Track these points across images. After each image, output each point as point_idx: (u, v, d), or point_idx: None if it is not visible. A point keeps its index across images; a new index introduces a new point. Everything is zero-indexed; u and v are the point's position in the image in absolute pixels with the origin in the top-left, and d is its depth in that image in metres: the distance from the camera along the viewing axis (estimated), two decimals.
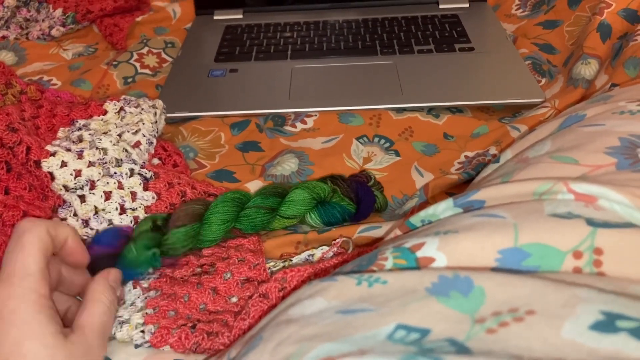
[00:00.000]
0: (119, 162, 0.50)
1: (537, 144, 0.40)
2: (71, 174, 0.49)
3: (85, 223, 0.48)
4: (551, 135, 0.40)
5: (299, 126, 0.61)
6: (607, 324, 0.20)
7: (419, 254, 0.28)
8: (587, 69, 0.62)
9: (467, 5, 0.81)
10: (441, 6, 0.81)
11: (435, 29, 0.75)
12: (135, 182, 0.50)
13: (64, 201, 0.49)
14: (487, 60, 0.68)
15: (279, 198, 0.48)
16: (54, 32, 0.79)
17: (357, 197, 0.49)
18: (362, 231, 0.48)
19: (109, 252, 0.44)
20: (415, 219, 0.36)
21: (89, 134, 0.52)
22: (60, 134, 0.54)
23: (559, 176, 0.33)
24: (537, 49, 0.71)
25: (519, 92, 0.62)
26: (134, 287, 0.44)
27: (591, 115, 0.41)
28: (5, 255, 0.36)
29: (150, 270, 0.45)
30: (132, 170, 0.50)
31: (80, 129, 0.54)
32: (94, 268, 0.43)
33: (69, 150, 0.50)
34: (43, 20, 0.80)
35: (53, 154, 0.49)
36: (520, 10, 0.79)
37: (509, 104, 0.62)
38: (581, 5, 0.71)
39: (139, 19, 0.82)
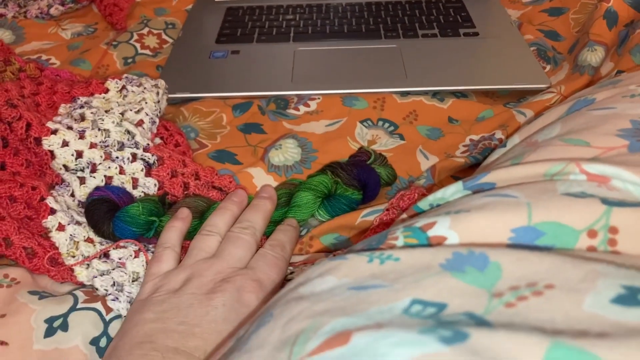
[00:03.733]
0: (121, 146, 0.49)
1: (546, 127, 0.40)
2: (72, 155, 0.48)
3: (82, 204, 0.48)
4: (561, 119, 0.40)
5: (302, 109, 0.60)
6: (630, 297, 0.19)
7: (430, 233, 0.28)
8: (593, 56, 0.61)
9: None
10: None
11: (439, 14, 0.74)
12: (137, 168, 0.49)
13: (63, 180, 0.49)
14: (491, 45, 0.68)
15: (284, 208, 0.48)
16: (52, 11, 0.77)
17: (361, 182, 0.49)
18: (365, 215, 0.47)
19: (113, 200, 0.46)
20: (423, 204, 0.35)
21: (91, 113, 0.51)
22: (61, 110, 0.53)
23: (571, 157, 0.33)
24: (542, 36, 0.70)
25: (524, 78, 0.62)
26: (136, 256, 0.44)
27: (601, 99, 0.41)
28: None
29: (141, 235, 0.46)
30: (134, 155, 0.49)
31: (82, 106, 0.53)
32: (92, 209, 0.45)
33: (70, 128, 0.49)
34: None
35: (54, 132, 0.48)
36: None
37: (513, 89, 0.62)
38: None
39: None
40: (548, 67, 0.66)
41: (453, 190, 0.35)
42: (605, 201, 0.27)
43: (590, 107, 0.40)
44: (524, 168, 0.33)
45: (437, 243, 0.27)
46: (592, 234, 0.26)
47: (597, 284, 0.20)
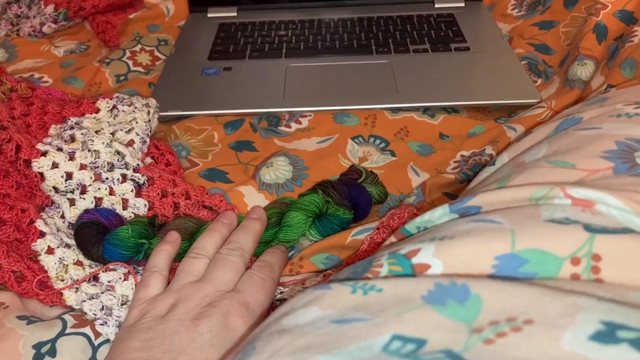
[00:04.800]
0: (111, 167, 0.49)
1: (533, 147, 0.40)
2: (62, 176, 0.48)
3: (72, 225, 0.48)
4: (547, 139, 0.40)
5: (294, 126, 0.60)
6: (608, 334, 0.19)
7: (415, 260, 0.28)
8: (583, 70, 0.61)
9: (462, 4, 0.80)
10: (437, 5, 0.80)
11: (430, 28, 0.75)
12: (127, 189, 0.49)
13: (53, 202, 0.49)
14: (482, 60, 0.68)
15: (275, 227, 0.48)
16: (45, 29, 0.78)
17: (352, 202, 0.49)
18: (355, 234, 0.47)
19: (102, 222, 0.45)
20: (410, 226, 0.35)
21: (82, 134, 0.51)
22: (52, 131, 0.53)
23: (556, 181, 0.33)
24: (533, 49, 0.70)
25: (515, 93, 0.62)
26: (125, 279, 0.44)
27: (588, 118, 0.41)
28: None
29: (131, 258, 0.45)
30: (124, 176, 0.49)
31: (72, 127, 0.53)
32: (82, 232, 0.45)
33: (60, 149, 0.49)
34: (34, 17, 0.79)
35: (44, 154, 0.48)
36: (516, 10, 0.79)
37: (504, 104, 0.62)
38: (577, 6, 0.70)
39: (131, 16, 0.80)
40: (539, 81, 0.66)
41: (440, 213, 0.35)
42: (588, 228, 0.27)
43: (577, 127, 0.40)
44: (509, 192, 0.33)
45: (421, 271, 0.27)
46: (575, 261, 0.26)
47: (576, 319, 0.20)
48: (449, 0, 0.81)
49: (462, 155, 0.56)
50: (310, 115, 0.61)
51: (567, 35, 0.70)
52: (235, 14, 0.81)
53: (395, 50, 0.70)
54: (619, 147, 0.35)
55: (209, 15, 0.82)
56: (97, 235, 0.44)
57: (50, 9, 0.78)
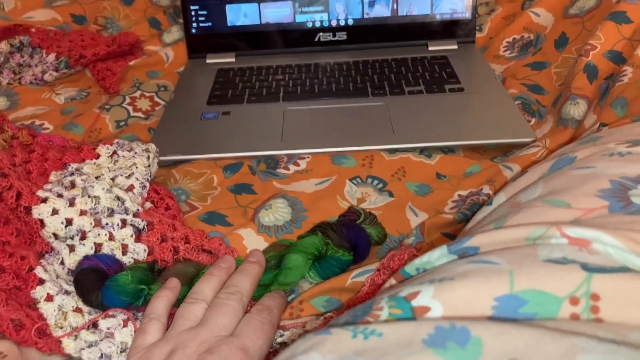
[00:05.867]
0: (111, 212, 0.50)
1: (529, 187, 0.40)
2: (62, 223, 0.48)
3: (72, 272, 0.48)
4: (543, 178, 0.41)
5: (292, 168, 0.61)
6: None
7: (414, 303, 0.28)
8: (576, 109, 0.62)
9: (455, 47, 0.82)
10: (430, 48, 0.82)
11: (425, 70, 0.76)
12: (126, 234, 0.49)
13: (52, 248, 0.49)
14: (477, 100, 0.69)
15: (274, 270, 0.48)
16: (46, 77, 0.79)
17: (351, 244, 0.49)
18: (355, 276, 0.47)
19: (102, 268, 0.45)
20: (410, 268, 0.35)
21: (82, 180, 0.51)
22: (52, 177, 0.54)
23: (552, 221, 0.33)
24: (526, 90, 0.72)
25: (510, 132, 0.63)
26: (125, 326, 0.43)
27: (581, 158, 0.41)
28: None
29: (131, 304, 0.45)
30: (124, 221, 0.49)
31: (72, 173, 0.54)
32: (81, 278, 0.45)
33: (60, 196, 0.50)
34: (36, 65, 0.81)
35: (44, 200, 0.49)
36: (508, 52, 0.81)
37: (500, 143, 0.63)
38: (567, 47, 0.72)
39: (131, 63, 0.82)
40: (533, 121, 0.67)
41: (438, 254, 0.35)
42: (585, 267, 0.27)
43: (571, 167, 0.40)
44: (506, 232, 0.33)
45: (421, 314, 0.27)
46: (574, 301, 0.26)
47: None
48: (442, 43, 0.83)
49: (459, 195, 0.57)
50: (308, 158, 0.62)
51: (559, 75, 0.71)
52: (233, 59, 0.83)
53: (390, 92, 0.72)
54: (613, 186, 0.35)
55: (208, 61, 0.83)
56: (96, 282, 0.44)
57: (52, 57, 0.80)
